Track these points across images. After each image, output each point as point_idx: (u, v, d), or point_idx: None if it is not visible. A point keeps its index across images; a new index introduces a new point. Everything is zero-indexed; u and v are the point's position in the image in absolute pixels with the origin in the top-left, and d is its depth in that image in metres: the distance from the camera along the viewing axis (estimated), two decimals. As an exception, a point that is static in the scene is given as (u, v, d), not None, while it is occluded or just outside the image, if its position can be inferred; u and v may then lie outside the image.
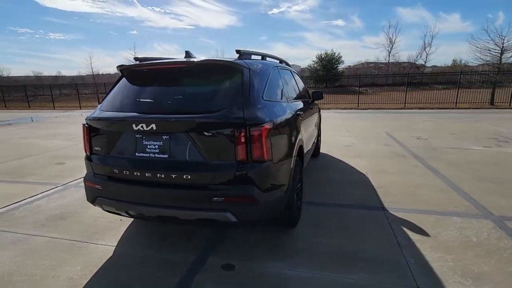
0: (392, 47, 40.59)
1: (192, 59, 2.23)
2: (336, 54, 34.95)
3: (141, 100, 2.17)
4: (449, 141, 6.53)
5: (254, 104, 2.07)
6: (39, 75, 51.51)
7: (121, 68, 2.34)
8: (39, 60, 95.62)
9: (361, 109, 15.82)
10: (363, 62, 55.17)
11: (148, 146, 2.08)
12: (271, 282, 2.06)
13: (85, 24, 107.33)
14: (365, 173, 4.40)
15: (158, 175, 2.04)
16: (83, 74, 41.83)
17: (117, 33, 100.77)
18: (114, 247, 2.56)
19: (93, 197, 2.32)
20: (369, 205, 3.30)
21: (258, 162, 1.98)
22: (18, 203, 3.60)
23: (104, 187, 2.24)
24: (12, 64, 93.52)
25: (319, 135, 5.32)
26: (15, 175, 4.75)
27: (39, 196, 3.81)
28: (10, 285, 2.11)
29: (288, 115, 2.56)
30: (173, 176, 2.01)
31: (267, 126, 2.01)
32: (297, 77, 3.98)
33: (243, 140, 1.91)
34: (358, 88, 17.67)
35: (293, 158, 2.42)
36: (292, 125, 2.56)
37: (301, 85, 4.07)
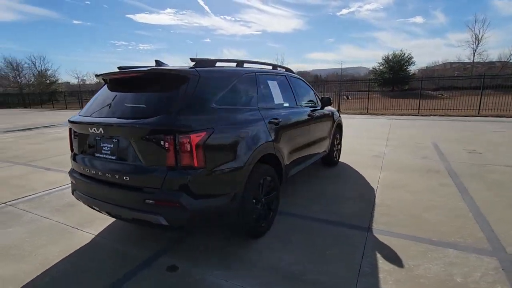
0: (478, 44, 35.18)
1: (145, 68, 2.37)
2: (406, 55, 31.87)
3: (103, 106, 2.40)
4: (509, 158, 5.41)
5: (193, 112, 2.11)
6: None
7: (97, 77, 2.63)
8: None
9: (422, 115, 14.14)
10: (442, 62, 49.09)
11: (103, 148, 2.30)
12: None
13: (167, 35, 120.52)
14: (375, 188, 3.97)
15: (107, 174, 2.24)
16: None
17: (192, 42, 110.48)
18: (94, 236, 2.87)
19: (72, 190, 2.67)
20: (355, 224, 2.98)
21: (187, 169, 2.02)
22: (53, 189, 4.29)
23: (77, 182, 2.55)
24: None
25: (335, 144, 5.00)
26: (61, 165, 5.64)
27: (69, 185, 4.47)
28: (3, 256, 2.56)
29: (248, 122, 2.52)
30: (117, 176, 2.18)
31: (201, 133, 2.03)
32: (296, 84, 3.84)
33: (171, 146, 1.97)
34: (419, 92, 15.79)
35: (245, 167, 2.36)
36: (250, 133, 2.50)
37: (300, 91, 3.91)
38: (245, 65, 3.00)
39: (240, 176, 2.33)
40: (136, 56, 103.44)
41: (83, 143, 2.51)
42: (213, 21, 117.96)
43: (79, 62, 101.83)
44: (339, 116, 5.25)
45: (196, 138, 2.00)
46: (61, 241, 2.80)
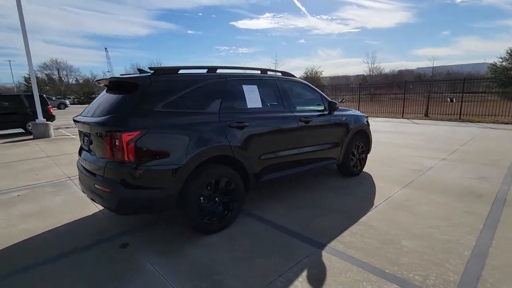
0: None
1: (109, 78, 2.86)
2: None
3: (93, 108, 2.98)
4: None
5: (133, 114, 2.45)
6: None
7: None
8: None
9: (542, 125, 10.91)
10: None
11: (85, 142, 2.91)
12: (126, 265, 2.40)
13: (264, 38, 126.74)
14: (376, 205, 3.52)
15: (85, 164, 2.84)
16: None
17: (287, 43, 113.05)
18: (98, 211, 3.58)
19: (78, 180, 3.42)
20: (311, 237, 2.79)
21: (120, 162, 2.38)
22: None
23: (79, 172, 3.24)
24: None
25: (355, 152, 4.62)
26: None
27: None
28: (37, 215, 3.50)
29: (195, 125, 2.70)
30: (88, 165, 2.76)
31: (133, 133, 2.36)
32: (288, 89, 3.76)
33: (109, 142, 2.37)
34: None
35: (185, 166, 2.56)
36: (195, 135, 2.67)
37: (295, 96, 3.82)
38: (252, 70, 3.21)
39: (178, 173, 2.55)
40: (236, 60, 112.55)
41: (81, 138, 3.19)
42: (309, 21, 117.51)
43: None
44: (364, 123, 4.77)
45: (128, 137, 2.34)
46: (77, 210, 3.61)
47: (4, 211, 3.65)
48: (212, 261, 2.46)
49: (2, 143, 9.13)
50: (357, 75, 55.82)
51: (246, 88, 3.24)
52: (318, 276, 2.22)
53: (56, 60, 58.24)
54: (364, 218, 3.18)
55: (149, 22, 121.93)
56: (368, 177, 4.69)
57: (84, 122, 2.79)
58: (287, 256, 2.51)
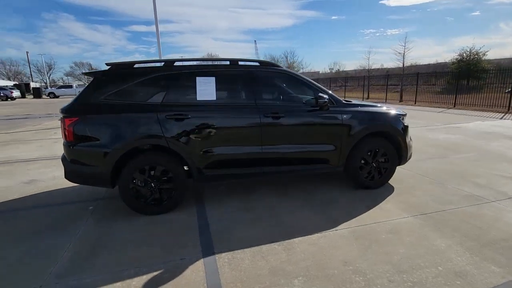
0: None
1: (86, 71, 3.46)
2: None
3: None
4: None
5: (80, 102, 3.00)
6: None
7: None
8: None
9: None
10: None
11: None
12: (76, 218, 3.06)
13: (421, 15, 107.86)
14: (328, 231, 2.79)
15: None
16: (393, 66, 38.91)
17: (453, 18, 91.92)
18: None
19: None
20: (213, 243, 2.60)
21: (66, 142, 2.99)
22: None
23: None
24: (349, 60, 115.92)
25: (371, 160, 3.70)
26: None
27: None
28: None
29: (129, 115, 2.99)
30: None
31: (73, 119, 2.91)
32: (263, 81, 3.47)
33: (61, 125, 3.01)
34: None
35: (113, 151, 2.90)
36: (127, 124, 2.97)
37: (271, 89, 3.47)
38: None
39: (107, 156, 2.94)
40: (383, 43, 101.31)
41: None
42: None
43: (331, 53, 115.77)
44: (390, 124, 3.66)
45: (68, 121, 2.92)
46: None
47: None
48: (117, 235, 2.76)
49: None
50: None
51: (199, 80, 3.21)
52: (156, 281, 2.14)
53: (211, 54, 70.84)
54: (296, 240, 2.63)
55: (295, 13, 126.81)
56: (386, 193, 3.63)
57: None
58: (170, 249, 2.50)
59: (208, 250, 2.49)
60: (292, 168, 3.52)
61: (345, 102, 3.70)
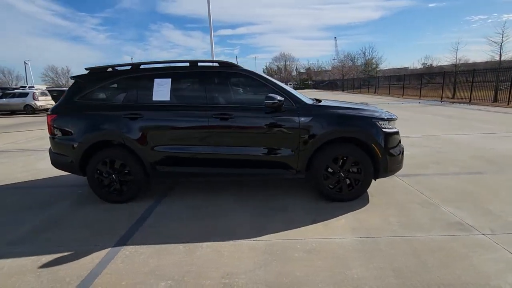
0: None
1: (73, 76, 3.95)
2: None
3: None
4: None
5: (62, 102, 3.54)
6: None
7: None
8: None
9: None
10: None
11: None
12: (63, 199, 3.66)
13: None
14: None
15: None
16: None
17: None
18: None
19: None
20: (130, 236, 2.75)
21: (50, 135, 3.57)
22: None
23: None
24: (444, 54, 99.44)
25: (339, 170, 3.27)
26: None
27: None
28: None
29: (93, 114, 3.38)
30: None
31: (53, 116, 3.46)
32: (211, 82, 3.47)
33: (47, 121, 3.61)
34: None
35: (79, 145, 3.33)
36: (88, 122, 3.38)
37: (219, 90, 3.44)
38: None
39: (75, 148, 3.39)
40: (491, 32, 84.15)
41: None
42: None
43: (423, 45, 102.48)
44: (365, 129, 3.18)
45: (50, 117, 3.49)
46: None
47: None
48: (76, 217, 3.19)
49: None
50: None
51: (157, 81, 3.40)
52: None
53: (284, 53, 71.34)
54: (209, 243, 2.57)
55: (382, 4, 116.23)
56: (352, 207, 3.16)
57: None
58: (96, 235, 2.77)
59: (123, 241, 2.67)
60: (248, 171, 3.41)
61: (313, 104, 3.38)
